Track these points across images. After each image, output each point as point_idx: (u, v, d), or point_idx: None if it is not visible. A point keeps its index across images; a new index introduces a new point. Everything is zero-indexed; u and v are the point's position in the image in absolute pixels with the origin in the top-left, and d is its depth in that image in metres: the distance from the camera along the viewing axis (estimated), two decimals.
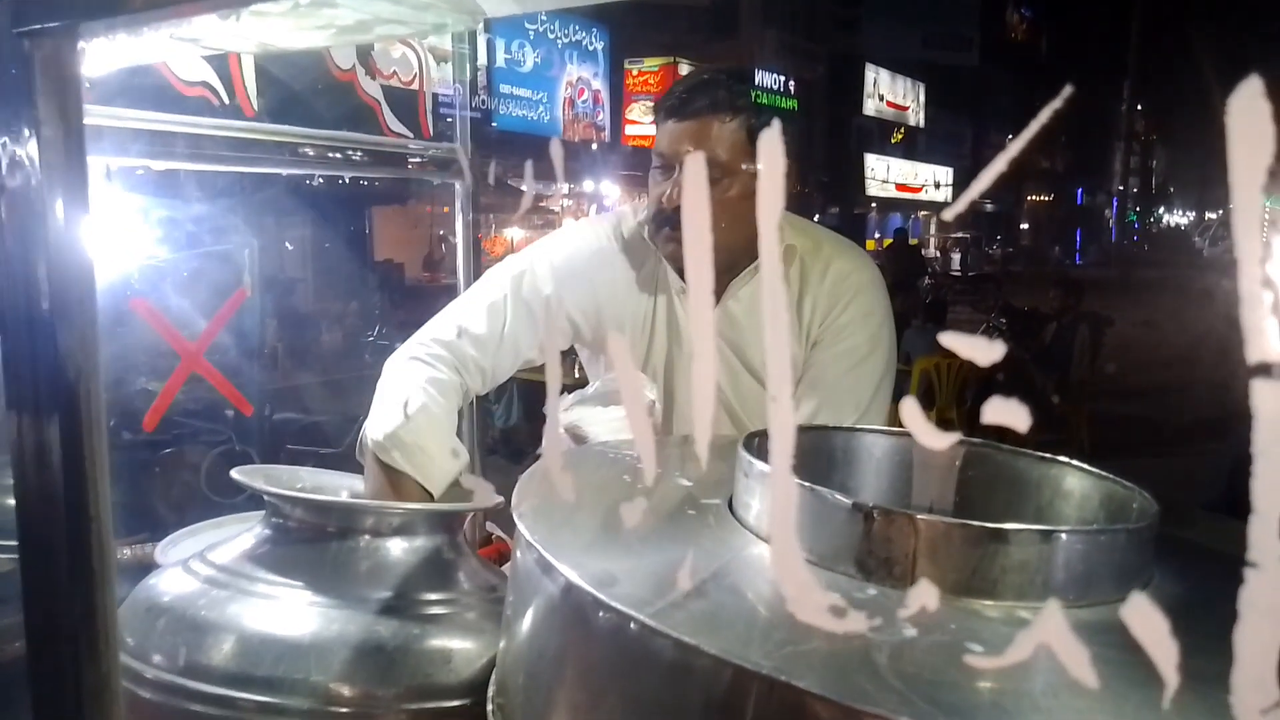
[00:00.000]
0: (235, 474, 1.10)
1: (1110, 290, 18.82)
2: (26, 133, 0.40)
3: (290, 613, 0.95)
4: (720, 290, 1.45)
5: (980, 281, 17.02)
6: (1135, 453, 6.19)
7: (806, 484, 0.75)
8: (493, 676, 0.89)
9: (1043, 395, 6.73)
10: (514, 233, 13.99)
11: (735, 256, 1.44)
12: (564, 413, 1.33)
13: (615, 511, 0.91)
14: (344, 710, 0.91)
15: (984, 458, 0.98)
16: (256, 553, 1.03)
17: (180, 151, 1.16)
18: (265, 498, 1.05)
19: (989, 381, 6.77)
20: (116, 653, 0.52)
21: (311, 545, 1.03)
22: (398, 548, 1.04)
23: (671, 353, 1.52)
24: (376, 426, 1.28)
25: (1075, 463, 0.92)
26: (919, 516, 0.71)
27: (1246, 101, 0.28)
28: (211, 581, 1.00)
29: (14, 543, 1.48)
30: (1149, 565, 0.78)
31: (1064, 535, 0.71)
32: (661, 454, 1.10)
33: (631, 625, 0.63)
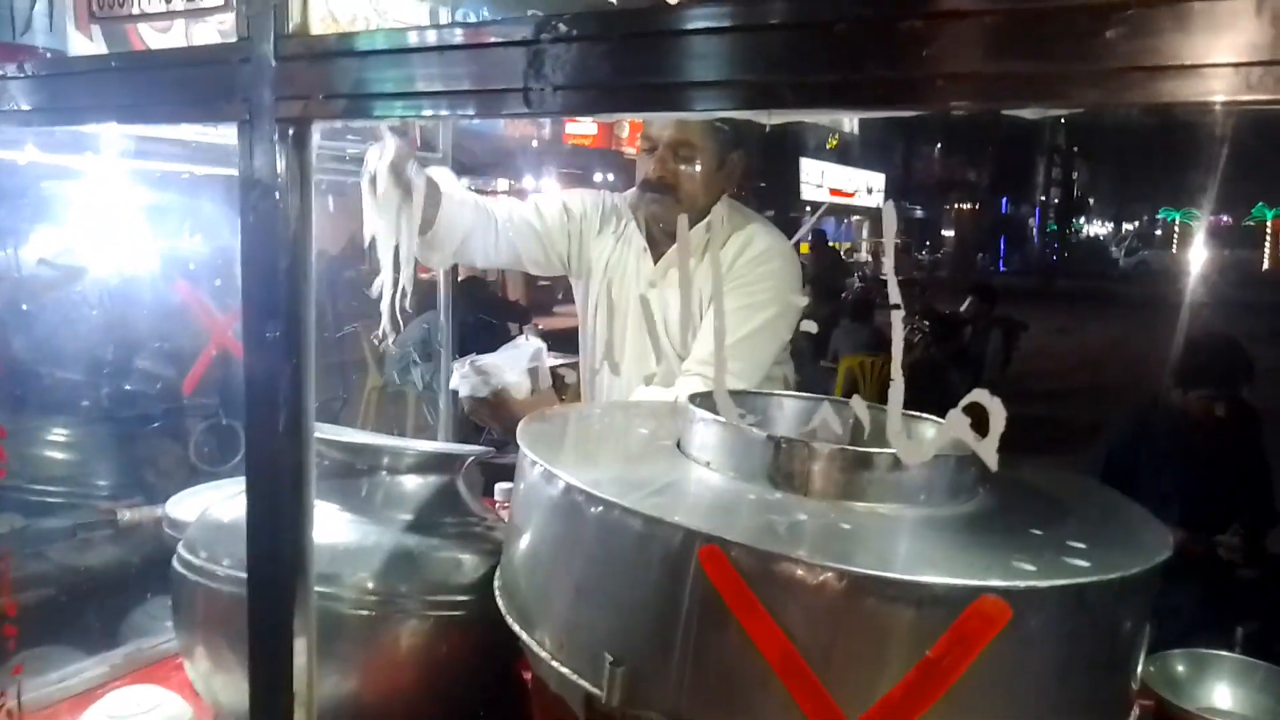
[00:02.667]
0: None
1: (1030, 297, 19.64)
2: (278, 175, 0.66)
3: (332, 527, 1.22)
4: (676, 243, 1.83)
5: (905, 286, 17.60)
6: (1038, 450, 6.65)
7: (735, 423, 1.05)
8: (497, 573, 1.17)
9: (959, 395, 7.18)
10: None
11: (689, 220, 1.74)
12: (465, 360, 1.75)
13: (594, 444, 1.20)
14: (377, 600, 1.17)
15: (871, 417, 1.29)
16: None
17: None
18: None
19: (908, 381, 7.21)
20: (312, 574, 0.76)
21: (343, 479, 1.29)
22: (412, 482, 1.31)
23: (627, 291, 1.91)
24: None
25: (930, 417, 1.24)
26: (811, 443, 1.01)
27: None
28: None
29: (54, 486, 1.72)
30: (974, 484, 1.09)
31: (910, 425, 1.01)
32: (629, 413, 1.39)
33: (614, 511, 0.92)
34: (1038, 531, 0.98)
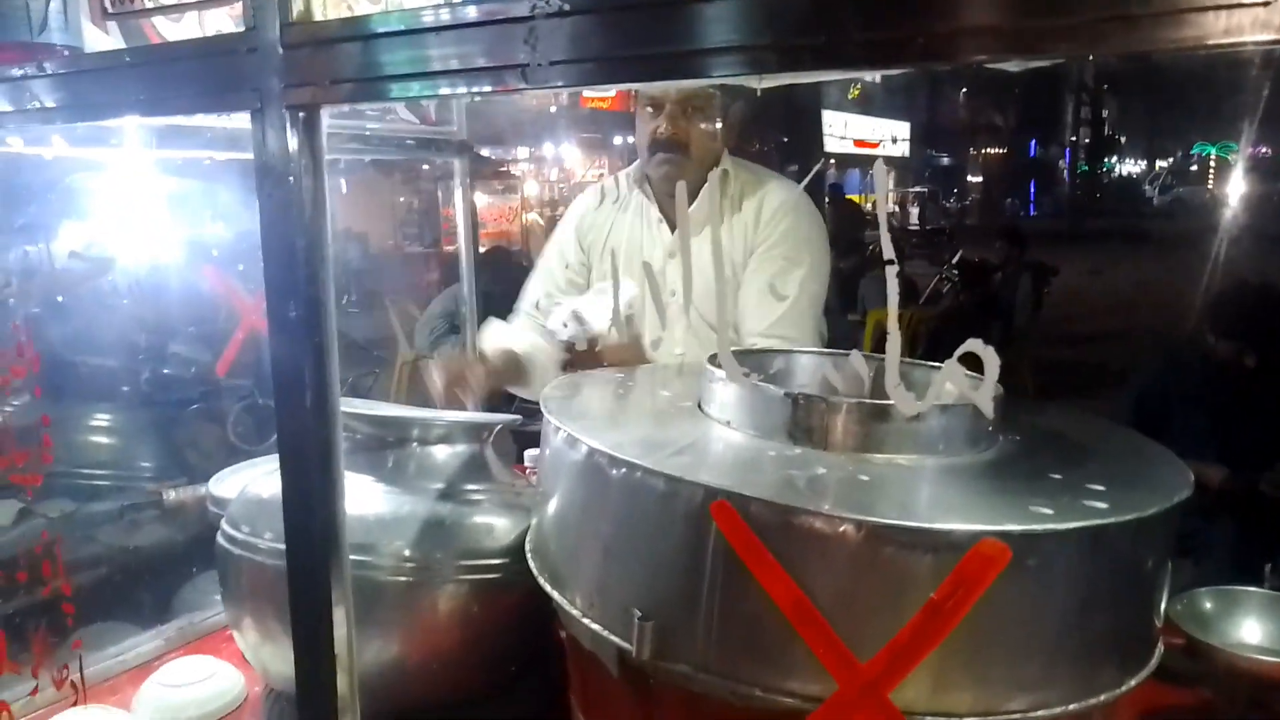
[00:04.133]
0: None
1: (1062, 240, 19.33)
2: (290, 160, 0.69)
3: (367, 498, 1.26)
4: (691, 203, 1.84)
5: (934, 235, 17.47)
6: (1072, 394, 6.61)
7: (754, 380, 1.07)
8: (528, 536, 1.20)
9: (989, 342, 7.13)
10: (476, 199, 14.13)
11: (700, 176, 1.81)
12: (566, 303, 1.75)
13: (616, 408, 1.23)
14: (414, 566, 1.21)
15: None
16: None
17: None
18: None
19: (938, 331, 7.18)
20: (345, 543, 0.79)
21: (377, 451, 1.32)
22: (443, 452, 1.34)
23: (659, 264, 1.91)
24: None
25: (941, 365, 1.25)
26: (827, 398, 1.02)
27: None
28: None
29: (100, 471, 1.78)
30: (994, 432, 1.10)
31: (928, 410, 1.02)
32: (650, 376, 1.41)
33: (637, 472, 0.94)
34: (1057, 476, 0.99)
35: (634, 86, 1.60)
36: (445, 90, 0.63)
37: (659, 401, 1.26)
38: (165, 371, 2.48)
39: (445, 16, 0.60)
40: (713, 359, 1.20)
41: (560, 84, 0.58)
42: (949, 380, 0.72)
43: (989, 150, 34.48)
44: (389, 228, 14.19)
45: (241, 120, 1.50)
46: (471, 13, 0.59)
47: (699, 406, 1.18)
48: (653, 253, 1.92)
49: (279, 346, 0.74)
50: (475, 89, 0.62)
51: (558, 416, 1.09)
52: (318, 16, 0.67)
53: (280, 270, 0.71)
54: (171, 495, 2.13)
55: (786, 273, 1.81)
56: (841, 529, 0.84)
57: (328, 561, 0.77)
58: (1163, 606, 1.02)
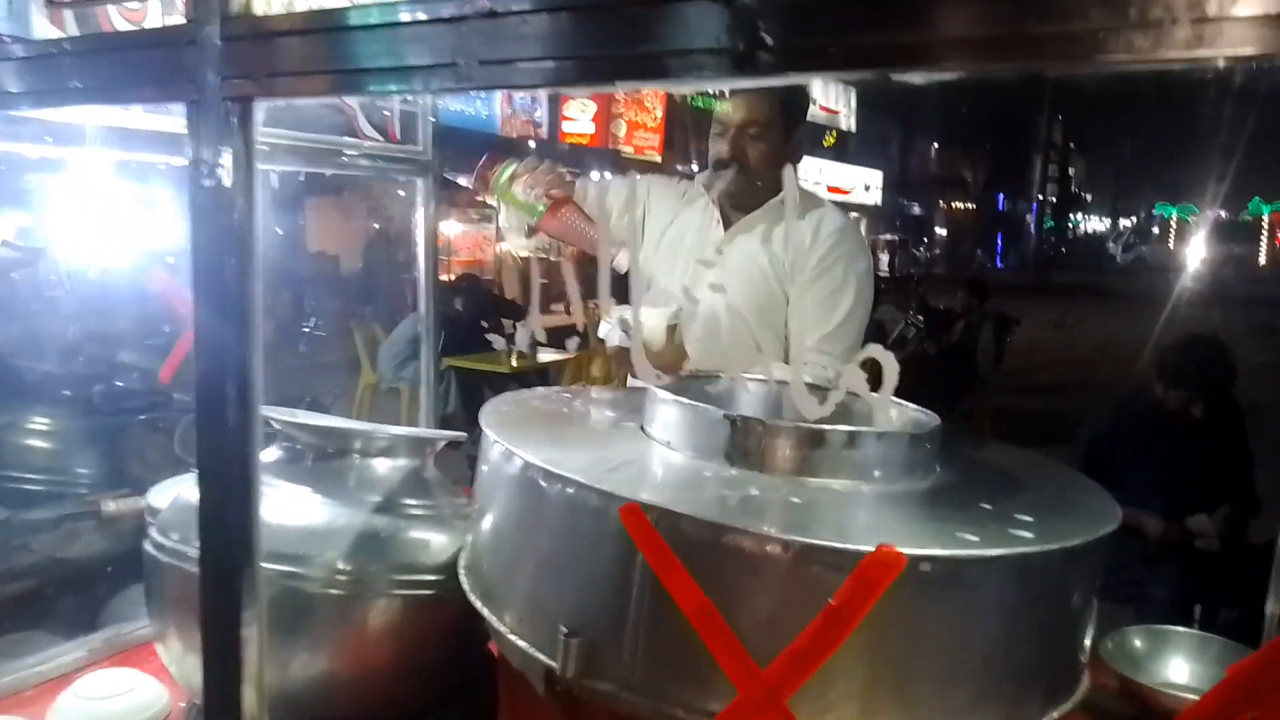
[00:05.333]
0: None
1: (1026, 292, 19.68)
2: (223, 154, 0.68)
3: (303, 508, 1.24)
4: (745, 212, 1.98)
5: (902, 282, 17.71)
6: (1029, 442, 6.68)
7: (695, 402, 1.07)
8: (462, 553, 1.19)
9: (951, 390, 7.23)
10: (450, 226, 14.14)
11: (762, 194, 1.96)
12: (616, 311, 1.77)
13: (557, 426, 1.22)
14: (346, 579, 1.19)
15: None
16: (272, 467, 1.31)
17: None
18: (277, 426, 1.33)
19: (901, 375, 7.24)
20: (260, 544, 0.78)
21: (316, 462, 1.31)
22: (383, 465, 1.33)
23: (687, 252, 2.02)
24: None
25: (894, 399, 1.26)
26: (764, 420, 1.03)
27: None
28: None
29: (36, 476, 1.73)
30: (931, 462, 1.11)
31: (855, 434, 1.03)
32: (599, 397, 1.41)
33: (569, 486, 0.94)
34: (987, 505, 1.00)
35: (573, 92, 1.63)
36: (374, 89, 0.64)
37: (602, 421, 1.26)
38: (115, 381, 2.45)
39: (378, 16, 0.60)
40: (658, 384, 1.21)
41: (490, 85, 0.58)
42: (849, 386, 0.73)
43: (959, 203, 35.13)
44: (359, 251, 14.15)
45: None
46: (404, 13, 0.59)
47: (642, 428, 1.18)
48: (705, 251, 2.02)
49: (203, 349, 0.73)
50: (407, 88, 0.62)
51: (495, 431, 1.08)
52: (258, 11, 0.67)
53: (207, 269, 0.70)
54: (111, 506, 2.08)
55: (840, 293, 1.90)
56: (768, 548, 0.84)
57: (240, 571, 0.75)
58: (1089, 638, 1.03)
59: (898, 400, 1.28)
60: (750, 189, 1.94)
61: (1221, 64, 0.43)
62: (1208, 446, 3.00)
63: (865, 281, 1.93)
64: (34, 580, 1.87)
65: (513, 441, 1.05)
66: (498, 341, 2.08)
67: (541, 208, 1.74)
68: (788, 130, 1.95)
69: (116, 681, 1.40)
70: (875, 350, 0.71)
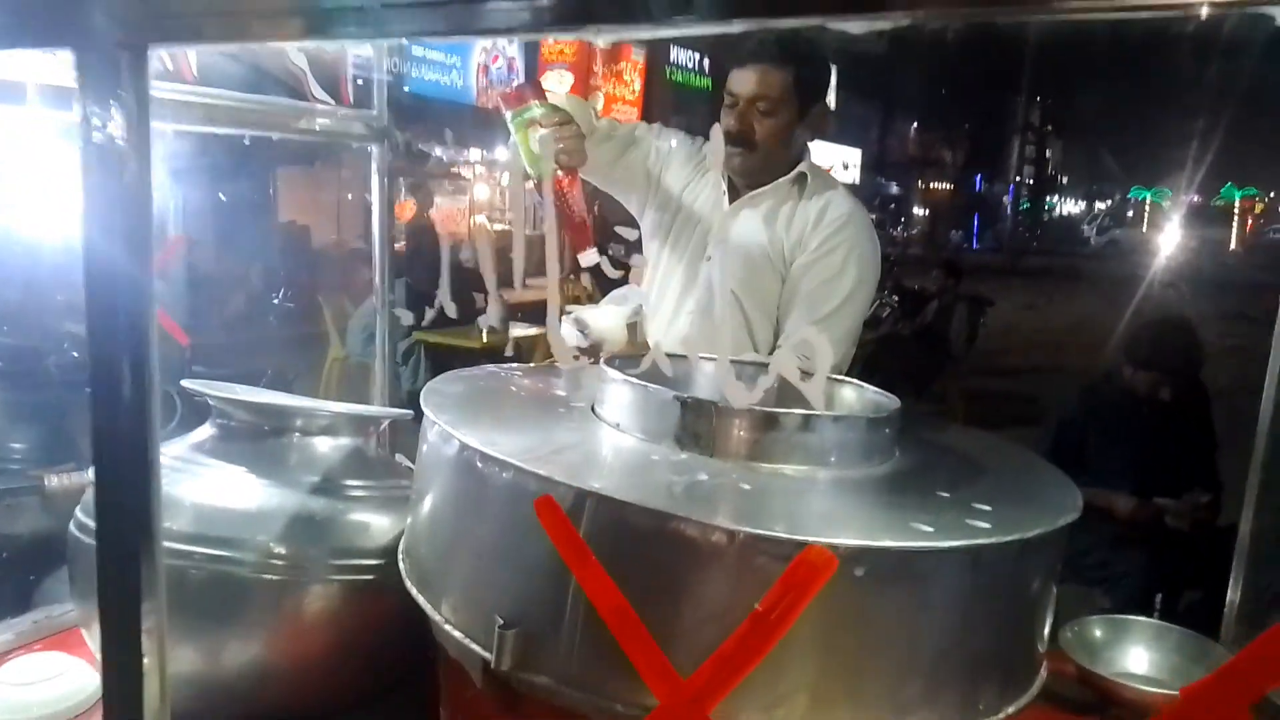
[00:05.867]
0: (186, 383, 1.31)
1: (1000, 274, 19.74)
2: (111, 111, 0.62)
3: (237, 489, 1.18)
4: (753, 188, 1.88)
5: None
6: (1000, 424, 6.71)
7: (644, 381, 1.02)
8: (402, 538, 1.14)
9: (923, 370, 7.24)
10: (424, 197, 13.94)
11: (772, 171, 1.86)
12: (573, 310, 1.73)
13: (504, 407, 1.17)
14: (281, 563, 1.14)
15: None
16: (205, 446, 1.25)
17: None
18: (212, 403, 1.27)
19: (874, 355, 7.26)
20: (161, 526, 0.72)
21: (252, 441, 1.25)
22: (324, 444, 1.27)
23: (694, 224, 1.94)
24: None
25: (851, 380, 1.22)
26: (715, 403, 0.98)
27: None
28: (169, 466, 1.21)
29: None
30: (889, 446, 1.07)
31: (809, 417, 0.99)
32: (550, 376, 1.35)
33: (506, 470, 0.89)
34: (945, 494, 0.96)
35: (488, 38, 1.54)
36: (282, 35, 0.58)
37: (552, 401, 1.21)
38: (68, 351, 2.36)
39: None
40: (610, 360, 1.16)
41: (400, 32, 0.53)
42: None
43: (936, 183, 35.19)
44: (331, 222, 13.94)
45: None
46: None
47: (593, 409, 1.13)
48: (707, 220, 1.94)
49: (95, 320, 0.67)
50: (313, 36, 0.57)
51: (435, 411, 1.03)
52: None
53: (98, 236, 0.64)
54: (54, 482, 2.02)
55: (837, 279, 1.81)
56: (713, 538, 0.80)
57: (138, 557, 0.70)
58: (1046, 631, 1.00)
59: (856, 382, 1.24)
60: (759, 165, 1.85)
61: (1198, 12, 0.38)
62: (1176, 429, 2.99)
63: (867, 272, 1.84)
64: None
65: (452, 422, 1.00)
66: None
67: (544, 169, 1.66)
68: (802, 107, 1.84)
69: (45, 666, 1.34)
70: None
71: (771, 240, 1.85)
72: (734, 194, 1.93)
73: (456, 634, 0.93)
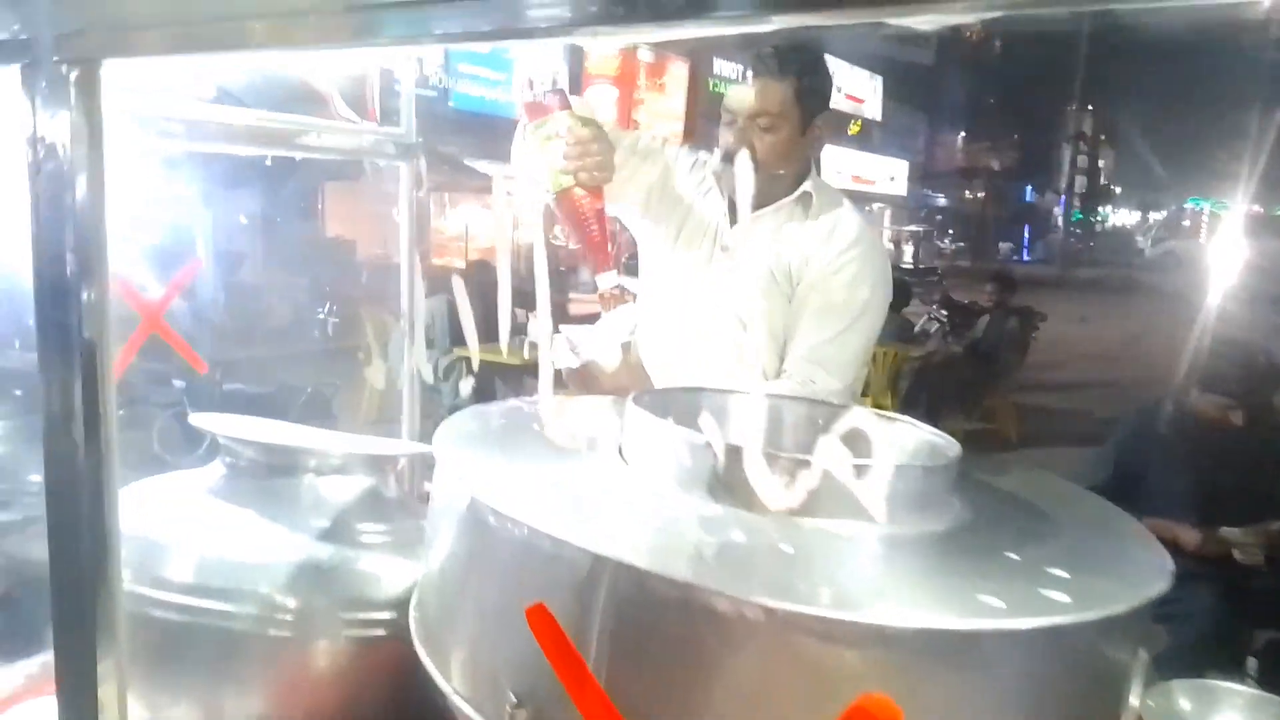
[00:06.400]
0: (193, 419, 1.24)
1: (1053, 287, 19.34)
2: (59, 131, 0.55)
3: (242, 536, 1.11)
4: (756, 209, 1.78)
5: (925, 274, 17.42)
6: (1055, 442, 6.49)
7: (674, 425, 0.93)
8: (415, 590, 1.05)
9: (973, 386, 7.04)
10: (468, 212, 14.02)
11: (775, 189, 1.76)
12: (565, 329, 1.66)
13: (523, 448, 1.08)
14: (287, 618, 1.06)
15: (835, 414, 1.16)
16: (213, 485, 1.18)
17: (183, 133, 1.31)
18: (220, 440, 1.20)
19: (922, 371, 7.07)
20: (120, 572, 0.65)
21: (261, 481, 1.18)
22: (336, 484, 1.19)
23: (696, 249, 1.84)
24: None
25: (902, 418, 1.11)
26: (748, 449, 0.88)
27: None
28: (173, 509, 1.14)
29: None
30: (947, 497, 0.96)
31: (863, 467, 0.88)
32: (577, 412, 1.26)
33: (519, 528, 0.80)
34: (1014, 555, 0.85)
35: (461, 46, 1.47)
36: (251, 45, 0.50)
37: (575, 443, 1.11)
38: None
39: None
40: (638, 397, 1.06)
41: (380, 40, 0.45)
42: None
43: (985, 193, 34.65)
44: (376, 237, 14.04)
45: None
46: None
47: (619, 451, 1.04)
48: (709, 244, 1.84)
49: (46, 346, 0.60)
50: (284, 44, 0.49)
51: (448, 452, 0.95)
52: None
53: (51, 260, 0.57)
54: None
55: (847, 302, 1.71)
56: (748, 613, 0.70)
57: (95, 602, 0.63)
58: (1126, 705, 0.88)
59: (910, 420, 1.13)
60: (761, 185, 1.74)
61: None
62: (1246, 456, 2.82)
63: (879, 291, 1.74)
64: None
65: (462, 468, 0.91)
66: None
67: (563, 184, 1.58)
68: (804, 120, 1.75)
69: (50, 715, 1.28)
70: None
71: (777, 262, 1.75)
72: (735, 215, 1.82)
73: (466, 709, 0.84)
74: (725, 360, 1.78)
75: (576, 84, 16.39)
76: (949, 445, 1.02)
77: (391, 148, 1.81)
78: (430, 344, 6.81)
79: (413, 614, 1.01)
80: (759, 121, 1.72)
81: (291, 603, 1.07)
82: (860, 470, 0.88)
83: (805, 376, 1.68)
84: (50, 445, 0.62)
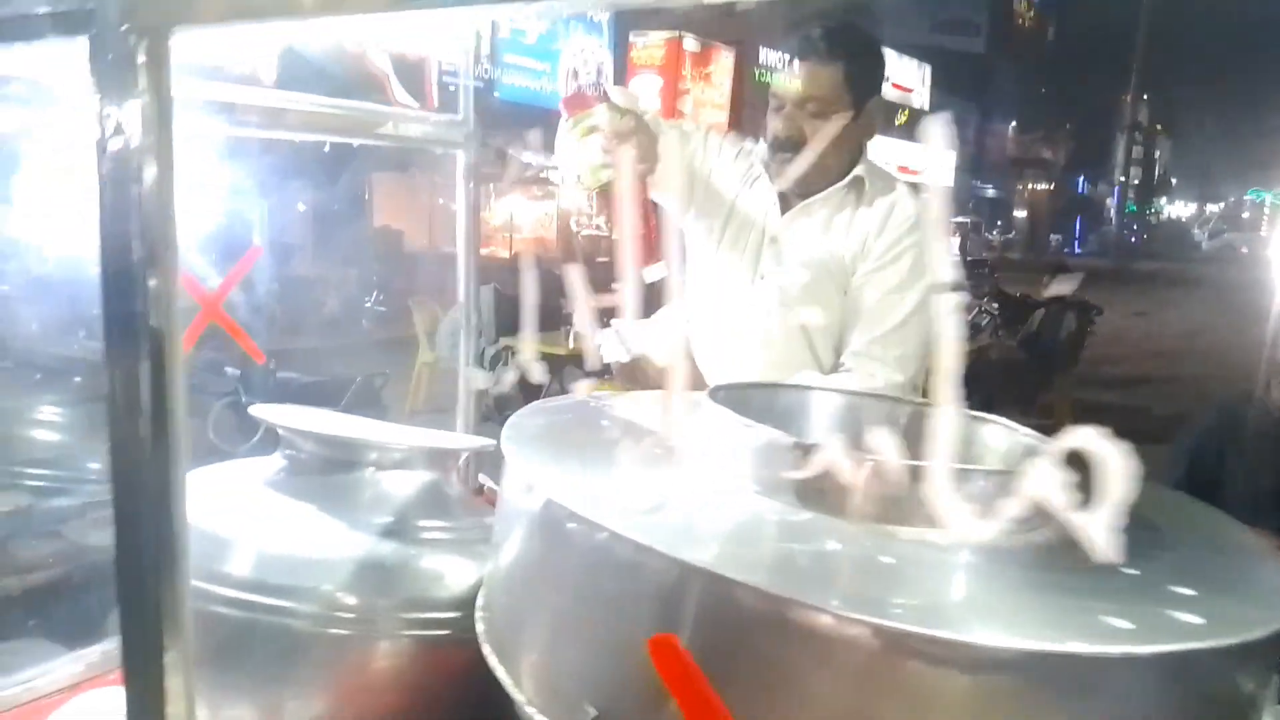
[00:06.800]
0: (253, 410, 1.21)
1: (1107, 280, 18.91)
2: (127, 107, 0.51)
3: (303, 531, 1.07)
4: (805, 198, 1.74)
5: (975, 266, 17.10)
6: (1116, 439, 6.30)
7: (756, 423, 0.88)
8: (481, 590, 1.01)
9: (1028, 381, 6.88)
10: (514, 203, 14.04)
11: (825, 176, 1.71)
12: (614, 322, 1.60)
13: (594, 447, 1.04)
14: (348, 616, 1.03)
15: (922, 414, 1.10)
16: (272, 478, 1.15)
17: (241, 119, 1.28)
18: (280, 432, 1.17)
19: (973, 367, 6.93)
20: (187, 564, 0.62)
21: (321, 475, 1.14)
22: (398, 479, 1.16)
23: (746, 238, 1.79)
24: None
25: (995, 419, 1.04)
26: (852, 452, 0.82)
27: None
28: (233, 502, 1.11)
29: (44, 471, 1.59)
30: None
31: (965, 471, 0.82)
32: (641, 409, 1.22)
33: (599, 533, 0.75)
34: (1132, 571, 0.79)
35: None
36: (329, 9, 0.46)
37: (647, 440, 1.06)
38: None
39: None
40: (715, 391, 1.01)
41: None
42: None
43: (1036, 185, 33.97)
44: (423, 227, 14.14)
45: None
46: None
47: (695, 451, 0.99)
48: (759, 232, 1.79)
49: (113, 334, 0.56)
50: (370, 9, 0.44)
51: (517, 452, 0.90)
52: None
53: (114, 254, 0.53)
54: None
55: (905, 289, 1.64)
56: (853, 633, 0.65)
57: (159, 594, 0.59)
58: None
59: (1005, 422, 1.07)
60: (812, 172, 1.68)
61: None
62: None
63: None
64: (47, 575, 1.76)
65: (534, 468, 0.87)
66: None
67: (604, 178, 1.54)
68: (856, 105, 1.69)
69: (112, 704, 1.26)
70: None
71: (831, 252, 1.69)
72: (785, 204, 1.76)
73: (538, 718, 0.80)
74: (778, 355, 1.72)
75: (621, 75, 16.31)
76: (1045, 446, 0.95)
77: (451, 135, 1.77)
78: (477, 333, 6.81)
79: (479, 615, 0.97)
80: (808, 107, 1.66)
81: (353, 601, 1.03)
82: (971, 477, 0.82)
83: (866, 371, 1.62)
84: (116, 435, 0.58)
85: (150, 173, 0.50)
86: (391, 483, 1.15)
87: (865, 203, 1.70)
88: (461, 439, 1.23)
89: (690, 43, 16.13)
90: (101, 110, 0.52)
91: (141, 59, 0.50)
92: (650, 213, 1.60)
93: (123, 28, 0.49)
